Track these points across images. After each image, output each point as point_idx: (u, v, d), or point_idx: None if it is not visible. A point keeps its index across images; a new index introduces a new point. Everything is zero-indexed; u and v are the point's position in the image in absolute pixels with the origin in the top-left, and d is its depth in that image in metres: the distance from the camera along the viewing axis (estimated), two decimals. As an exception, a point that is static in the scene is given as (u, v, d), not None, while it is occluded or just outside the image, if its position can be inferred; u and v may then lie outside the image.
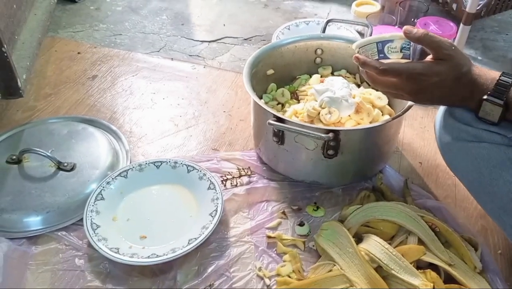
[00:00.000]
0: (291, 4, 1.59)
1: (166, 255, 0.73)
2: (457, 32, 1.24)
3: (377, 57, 0.70)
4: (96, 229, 0.78)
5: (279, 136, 0.82)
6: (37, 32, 1.15)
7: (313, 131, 0.75)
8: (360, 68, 0.72)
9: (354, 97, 0.87)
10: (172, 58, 1.29)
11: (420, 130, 1.05)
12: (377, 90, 0.89)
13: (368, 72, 0.71)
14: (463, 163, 0.70)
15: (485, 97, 0.63)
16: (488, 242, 0.80)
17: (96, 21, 1.47)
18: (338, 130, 0.76)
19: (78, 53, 1.30)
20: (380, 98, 0.91)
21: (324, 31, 1.07)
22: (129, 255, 0.74)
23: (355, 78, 1.02)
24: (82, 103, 1.11)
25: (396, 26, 1.29)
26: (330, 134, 0.75)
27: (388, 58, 0.70)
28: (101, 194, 0.83)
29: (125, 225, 0.81)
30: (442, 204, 0.84)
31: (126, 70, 1.23)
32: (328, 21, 1.10)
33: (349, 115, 0.85)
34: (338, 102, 0.85)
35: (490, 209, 0.70)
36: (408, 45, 0.70)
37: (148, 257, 0.73)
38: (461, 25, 1.23)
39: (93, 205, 0.81)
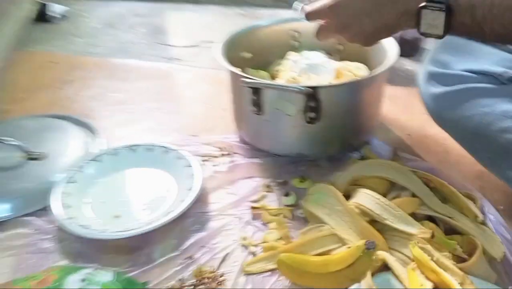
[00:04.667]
0: (267, 12, 1.61)
1: (141, 228, 0.67)
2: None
3: None
4: (66, 208, 0.72)
5: (258, 104, 0.78)
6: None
7: (291, 87, 0.71)
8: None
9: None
10: (149, 61, 1.27)
11: (405, 106, 1.01)
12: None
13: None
14: (452, 112, 0.68)
15: (422, 4, 0.55)
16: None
17: (73, 36, 1.46)
18: (317, 87, 0.73)
19: (54, 62, 1.27)
20: (359, 68, 0.89)
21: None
22: (100, 230, 0.68)
23: (333, 59, 1.00)
24: (56, 104, 1.07)
25: None
26: (310, 89, 0.71)
27: None
28: (73, 177, 0.78)
29: (98, 206, 0.75)
30: (435, 166, 0.79)
31: (102, 75, 1.21)
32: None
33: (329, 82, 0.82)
34: (317, 68, 0.82)
35: (487, 158, 0.67)
36: None
37: (121, 231, 0.67)
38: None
39: (64, 187, 0.76)
